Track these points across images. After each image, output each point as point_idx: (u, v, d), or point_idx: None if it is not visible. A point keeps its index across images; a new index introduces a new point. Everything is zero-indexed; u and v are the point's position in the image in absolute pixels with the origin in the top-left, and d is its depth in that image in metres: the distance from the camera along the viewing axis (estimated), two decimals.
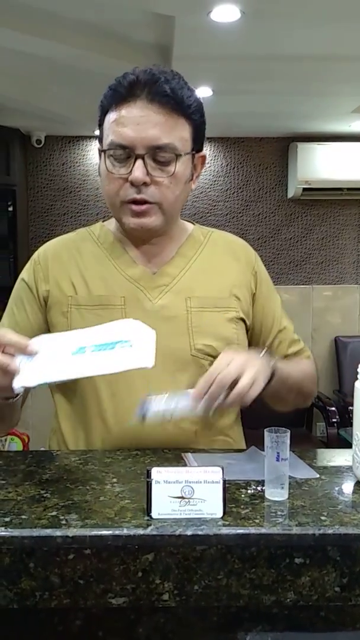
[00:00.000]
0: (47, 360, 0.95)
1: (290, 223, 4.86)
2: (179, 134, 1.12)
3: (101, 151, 1.16)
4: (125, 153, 1.10)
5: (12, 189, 4.48)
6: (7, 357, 0.94)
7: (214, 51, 2.93)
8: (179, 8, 2.47)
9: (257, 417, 1.30)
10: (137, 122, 1.09)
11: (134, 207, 1.12)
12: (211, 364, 1.15)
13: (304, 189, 4.58)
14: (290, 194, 4.74)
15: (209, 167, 4.79)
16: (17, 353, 0.96)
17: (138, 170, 1.09)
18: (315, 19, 2.55)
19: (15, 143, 4.58)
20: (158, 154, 1.10)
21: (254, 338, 1.26)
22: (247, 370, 1.00)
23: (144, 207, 1.12)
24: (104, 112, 1.16)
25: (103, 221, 1.29)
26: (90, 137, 4.80)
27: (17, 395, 1.02)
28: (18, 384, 0.94)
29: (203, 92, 3.50)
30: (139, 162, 1.09)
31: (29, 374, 0.94)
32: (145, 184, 1.10)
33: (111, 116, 1.13)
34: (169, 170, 1.11)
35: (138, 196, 1.11)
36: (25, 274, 1.24)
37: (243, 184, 4.88)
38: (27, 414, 3.71)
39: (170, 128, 1.11)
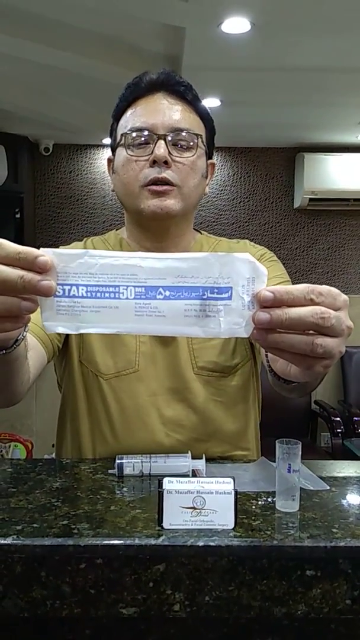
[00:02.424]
0: (97, 299, 0.64)
1: (296, 233, 4.88)
2: (197, 125, 1.15)
3: (115, 147, 1.17)
4: (145, 137, 1.11)
5: (19, 196, 4.52)
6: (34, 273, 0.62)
7: (223, 62, 2.96)
8: (190, 20, 2.50)
9: (261, 426, 1.30)
10: (157, 108, 1.13)
11: (155, 187, 1.10)
12: (217, 378, 1.15)
13: (310, 199, 4.60)
14: (296, 204, 4.76)
15: (216, 176, 4.81)
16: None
17: (160, 149, 1.09)
18: (323, 30, 2.58)
19: (24, 151, 4.62)
20: (179, 136, 1.12)
21: None
22: (344, 334, 0.67)
23: (164, 187, 1.11)
24: (120, 112, 1.17)
25: (116, 230, 1.29)
26: (98, 146, 4.84)
27: (15, 343, 0.76)
28: (52, 324, 0.65)
29: (211, 102, 3.53)
30: (161, 142, 1.10)
31: (68, 313, 0.65)
32: (166, 163, 1.10)
33: (129, 111, 1.15)
34: (189, 155, 1.13)
35: (160, 175, 1.10)
36: None
37: (249, 194, 4.90)
38: (31, 420, 3.74)
39: (189, 117, 1.14)
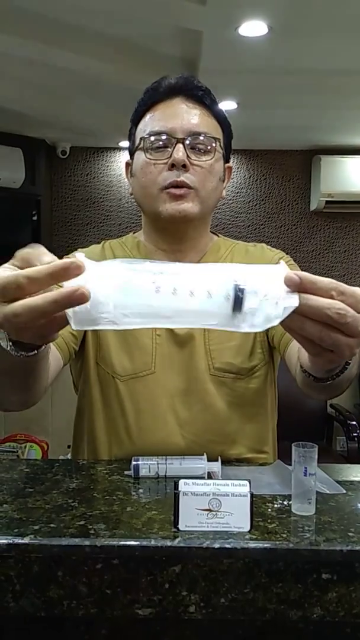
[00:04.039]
0: (123, 296, 0.64)
1: (312, 236, 4.86)
2: (215, 129, 1.17)
3: (134, 150, 1.18)
4: (164, 141, 1.12)
5: (37, 199, 4.55)
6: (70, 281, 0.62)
7: (240, 65, 2.96)
8: (207, 23, 2.51)
9: (277, 429, 1.29)
10: (176, 113, 1.14)
11: (173, 191, 1.11)
12: (234, 380, 1.15)
13: (327, 202, 4.58)
14: (313, 207, 4.75)
15: (232, 179, 4.81)
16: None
17: (179, 152, 1.11)
18: (340, 33, 2.57)
19: (41, 154, 4.66)
20: (197, 140, 1.13)
21: (276, 337, 1.17)
22: None
23: (183, 190, 1.11)
24: (138, 116, 1.18)
25: (134, 233, 1.30)
26: (115, 149, 4.86)
27: (42, 346, 0.76)
28: (79, 322, 0.64)
29: (228, 105, 3.53)
30: (179, 146, 1.11)
31: (97, 309, 0.63)
32: (185, 166, 1.11)
33: (147, 115, 1.16)
34: (207, 158, 1.13)
35: (178, 179, 1.11)
36: None
37: (266, 196, 4.89)
38: (47, 421, 3.76)
39: (207, 121, 1.15)
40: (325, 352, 0.67)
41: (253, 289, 0.64)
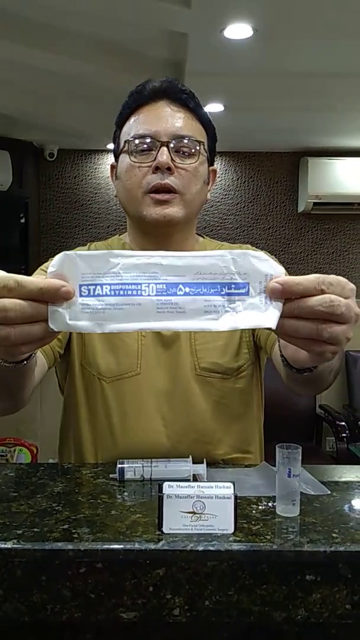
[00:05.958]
0: (120, 297, 0.66)
1: (300, 237, 4.88)
2: (199, 132, 1.17)
3: (118, 153, 1.18)
4: (148, 144, 1.12)
5: (24, 201, 4.54)
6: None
7: (226, 67, 2.97)
8: (192, 26, 2.51)
9: (265, 430, 1.29)
10: (160, 116, 1.14)
11: (157, 196, 1.11)
12: (220, 380, 1.16)
13: (315, 204, 4.60)
14: (300, 208, 4.76)
15: (220, 181, 4.82)
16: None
17: (163, 155, 1.10)
18: (325, 36, 2.58)
19: (29, 156, 4.65)
20: (181, 143, 1.12)
21: (262, 337, 1.18)
22: (352, 320, 0.68)
23: (167, 195, 1.11)
24: (123, 119, 1.18)
25: (120, 235, 1.30)
26: (102, 151, 4.85)
27: (31, 356, 0.79)
28: (76, 323, 0.66)
29: (215, 107, 3.54)
30: (164, 149, 1.11)
31: (93, 311, 0.66)
32: (169, 169, 1.10)
33: (132, 119, 1.16)
34: (191, 161, 1.13)
35: (162, 181, 1.10)
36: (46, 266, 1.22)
37: (253, 198, 4.90)
38: (36, 424, 3.74)
39: (191, 124, 1.15)
40: (324, 346, 0.68)
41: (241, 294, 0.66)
